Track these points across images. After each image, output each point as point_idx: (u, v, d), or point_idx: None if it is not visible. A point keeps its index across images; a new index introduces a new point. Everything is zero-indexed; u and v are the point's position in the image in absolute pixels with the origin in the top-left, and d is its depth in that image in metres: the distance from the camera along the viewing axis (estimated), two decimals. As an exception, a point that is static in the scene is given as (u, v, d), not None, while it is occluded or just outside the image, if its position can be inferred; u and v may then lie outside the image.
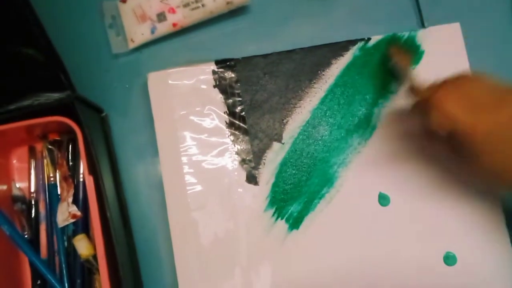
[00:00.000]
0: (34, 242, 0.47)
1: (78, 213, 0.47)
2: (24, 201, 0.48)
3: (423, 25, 0.54)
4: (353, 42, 0.53)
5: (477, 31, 0.54)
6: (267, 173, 0.50)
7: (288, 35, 0.54)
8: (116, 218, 0.46)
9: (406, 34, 0.53)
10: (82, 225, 0.47)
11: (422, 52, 0.53)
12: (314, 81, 0.52)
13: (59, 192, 0.48)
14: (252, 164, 0.50)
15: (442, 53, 0.53)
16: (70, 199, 0.47)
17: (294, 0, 0.55)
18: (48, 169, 0.48)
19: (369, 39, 0.53)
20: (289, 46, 0.53)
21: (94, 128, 0.47)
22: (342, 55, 0.52)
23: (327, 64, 0.52)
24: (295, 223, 0.50)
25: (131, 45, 0.52)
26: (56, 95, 0.43)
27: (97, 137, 0.48)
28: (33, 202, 0.48)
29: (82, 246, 0.46)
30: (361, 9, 0.55)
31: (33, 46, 0.41)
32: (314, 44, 0.53)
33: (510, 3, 0.55)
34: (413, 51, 0.53)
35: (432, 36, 0.53)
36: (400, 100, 0.52)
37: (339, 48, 0.52)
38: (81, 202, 0.47)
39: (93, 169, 0.44)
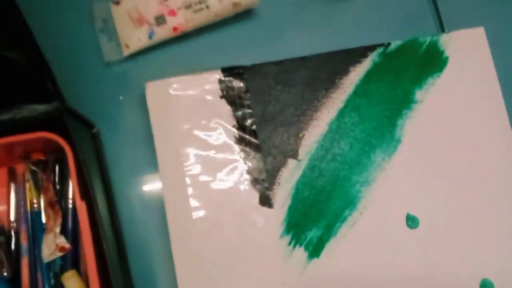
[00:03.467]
0: (14, 282, 0.40)
1: (67, 246, 0.40)
2: (2, 232, 0.41)
3: (442, 30, 0.50)
4: (371, 48, 0.48)
5: (501, 35, 0.50)
6: (283, 194, 0.45)
7: (300, 40, 0.49)
8: (112, 250, 0.40)
9: (428, 39, 0.49)
10: (72, 260, 0.41)
11: (447, 58, 0.48)
12: (332, 90, 0.47)
13: (44, 221, 0.41)
14: (266, 184, 0.45)
15: (467, 59, 0.49)
16: (58, 229, 0.40)
17: (304, 4, 0.50)
18: (31, 194, 0.42)
19: (388, 44, 0.48)
20: (301, 53, 0.48)
21: (85, 146, 0.41)
22: (361, 62, 0.48)
23: (344, 71, 0.47)
24: (315, 250, 0.44)
25: (126, 52, 0.46)
26: (41, 107, 0.36)
27: (89, 156, 0.41)
28: (13, 233, 0.42)
29: (72, 285, 0.39)
30: (375, 14, 0.51)
31: (15, 47, 0.34)
32: (329, 50, 0.48)
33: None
34: (436, 58, 0.48)
35: (456, 41, 0.49)
36: (426, 109, 0.47)
37: (357, 54, 0.48)
38: (70, 232, 0.41)
39: (86, 194, 0.37)
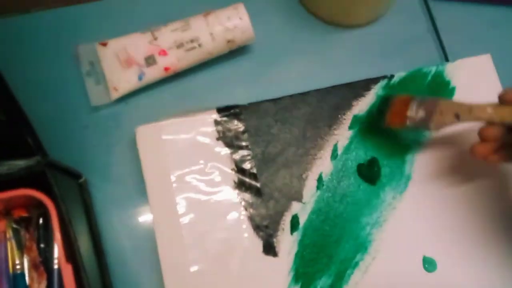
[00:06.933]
0: None
1: (53, 312, 0.36)
2: (-19, 299, 0.38)
3: (446, 59, 0.48)
4: (374, 81, 0.46)
5: (509, 61, 0.48)
6: (288, 241, 0.41)
7: (298, 76, 0.47)
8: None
9: (433, 69, 0.46)
10: (58, 327, 0.37)
11: (453, 89, 0.46)
12: (335, 127, 0.44)
13: (27, 284, 0.37)
14: (269, 231, 0.41)
15: (475, 88, 0.46)
16: (42, 294, 0.36)
17: (301, 38, 0.48)
18: (13, 255, 0.38)
19: (392, 76, 0.46)
20: (301, 89, 0.45)
21: (71, 199, 0.38)
22: (364, 95, 0.45)
23: (347, 106, 0.45)
24: (326, 301, 0.40)
25: (115, 95, 0.43)
26: (21, 163, 0.33)
27: (75, 210, 0.38)
28: (-7, 299, 0.38)
29: None
30: (374, 44, 0.49)
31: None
32: (329, 85, 0.45)
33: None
34: (442, 88, 0.46)
35: (462, 70, 0.46)
36: (436, 143, 0.44)
37: (360, 87, 0.45)
38: (56, 296, 0.37)
39: (71, 255, 0.34)
